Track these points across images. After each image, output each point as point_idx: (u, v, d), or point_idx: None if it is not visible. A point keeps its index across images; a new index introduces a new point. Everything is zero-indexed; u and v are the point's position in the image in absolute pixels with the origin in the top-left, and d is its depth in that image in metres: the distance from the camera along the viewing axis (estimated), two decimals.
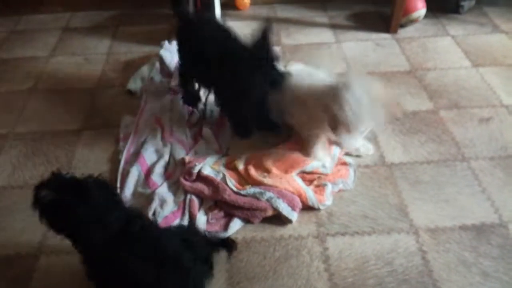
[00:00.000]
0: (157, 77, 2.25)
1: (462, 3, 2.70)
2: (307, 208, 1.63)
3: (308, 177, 1.73)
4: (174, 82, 2.18)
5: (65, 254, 1.49)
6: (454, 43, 2.51)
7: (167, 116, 1.99)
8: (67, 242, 1.15)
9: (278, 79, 1.71)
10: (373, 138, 1.89)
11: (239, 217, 1.60)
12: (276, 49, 1.76)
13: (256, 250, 1.52)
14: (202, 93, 2.05)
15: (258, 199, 1.60)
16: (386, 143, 1.89)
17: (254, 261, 1.49)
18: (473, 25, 2.65)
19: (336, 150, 1.80)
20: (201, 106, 2.06)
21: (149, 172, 1.76)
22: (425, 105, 2.09)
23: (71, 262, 1.40)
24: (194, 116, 2.01)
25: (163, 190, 1.69)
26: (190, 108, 2.04)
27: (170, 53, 2.37)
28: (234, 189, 1.65)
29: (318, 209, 1.63)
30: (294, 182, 1.67)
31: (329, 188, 1.67)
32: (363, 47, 2.50)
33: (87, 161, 1.86)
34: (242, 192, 1.63)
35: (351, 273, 1.44)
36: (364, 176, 1.76)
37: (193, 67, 1.89)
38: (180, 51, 1.93)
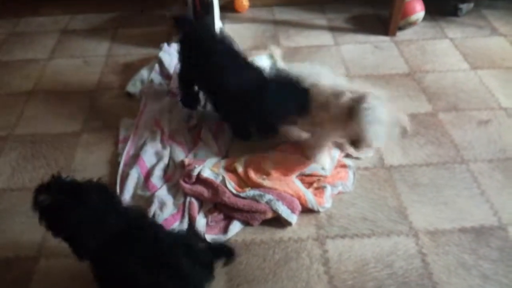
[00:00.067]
0: (157, 80, 2.25)
1: (461, 6, 2.71)
2: (306, 210, 1.63)
3: (308, 179, 1.73)
4: (174, 84, 2.18)
5: (65, 256, 1.47)
6: (453, 46, 2.51)
7: (167, 118, 1.99)
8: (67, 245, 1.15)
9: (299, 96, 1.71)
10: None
11: (239, 220, 1.60)
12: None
13: (256, 253, 1.52)
14: (201, 95, 2.05)
15: (257, 201, 1.60)
16: (385, 145, 1.89)
17: (254, 264, 1.49)
18: (471, 28, 2.65)
19: (335, 153, 1.80)
20: (200, 108, 2.06)
21: (148, 174, 1.76)
22: (424, 107, 2.09)
23: (71, 264, 1.40)
24: (194, 118, 2.01)
25: (162, 193, 1.69)
26: (190, 110, 2.04)
27: (170, 55, 2.37)
28: (234, 191, 1.65)
29: (318, 212, 1.64)
30: (293, 184, 1.67)
31: (328, 190, 1.67)
32: (361, 50, 2.51)
33: (86, 164, 1.86)
34: (242, 194, 1.63)
35: (350, 276, 1.44)
36: (363, 178, 1.77)
37: (194, 75, 1.89)
38: (182, 59, 1.93)
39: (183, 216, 1.61)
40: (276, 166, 1.73)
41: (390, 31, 2.59)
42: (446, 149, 1.88)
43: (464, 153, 1.86)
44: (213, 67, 1.76)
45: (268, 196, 1.61)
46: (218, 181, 1.68)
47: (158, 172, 1.77)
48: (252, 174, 1.71)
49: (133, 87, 2.22)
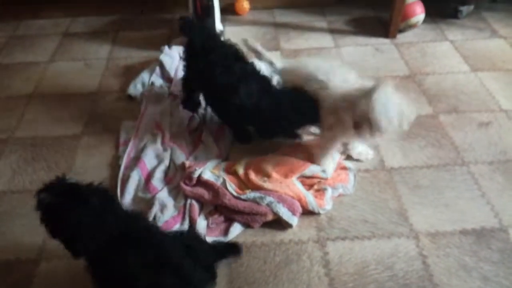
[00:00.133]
0: (157, 82, 2.26)
1: (461, 8, 2.72)
2: (307, 212, 1.63)
3: (308, 181, 1.73)
4: (175, 87, 2.18)
5: (66, 259, 1.47)
6: (453, 48, 2.52)
7: (167, 121, 2.00)
8: None
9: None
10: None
11: (239, 222, 1.60)
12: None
13: (256, 255, 1.52)
14: (202, 98, 2.05)
15: (258, 203, 1.60)
16: (385, 147, 1.89)
17: (254, 266, 1.49)
18: (471, 30, 2.66)
19: (336, 155, 1.80)
20: (201, 111, 2.06)
21: (149, 177, 1.76)
22: (425, 109, 2.09)
23: (72, 267, 1.41)
24: (194, 121, 2.02)
25: (163, 195, 1.69)
26: (190, 113, 2.04)
27: (170, 58, 2.38)
28: (234, 193, 1.65)
29: (318, 214, 1.63)
30: (294, 186, 1.67)
31: (329, 192, 1.67)
32: (362, 52, 2.51)
33: (87, 166, 1.86)
34: (242, 196, 1.63)
35: (351, 278, 1.44)
36: (364, 180, 1.76)
37: (197, 79, 1.89)
38: (186, 63, 1.92)
39: (183, 218, 1.61)
40: (276, 168, 1.73)
41: (390, 34, 2.59)
42: (446, 151, 1.88)
43: (465, 155, 1.86)
44: (216, 72, 1.75)
45: (268, 198, 1.61)
46: (218, 183, 1.68)
47: (159, 175, 1.77)
48: (253, 176, 1.71)
49: (134, 89, 2.22)
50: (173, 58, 2.38)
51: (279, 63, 1.90)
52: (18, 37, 2.74)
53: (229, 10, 2.87)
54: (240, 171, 1.74)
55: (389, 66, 2.39)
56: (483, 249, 1.51)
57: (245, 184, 1.71)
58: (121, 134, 1.98)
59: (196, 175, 1.70)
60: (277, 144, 1.88)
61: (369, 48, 2.54)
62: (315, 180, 1.73)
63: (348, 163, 1.81)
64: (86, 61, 2.51)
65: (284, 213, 1.59)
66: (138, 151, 1.87)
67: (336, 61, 1.79)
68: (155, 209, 1.62)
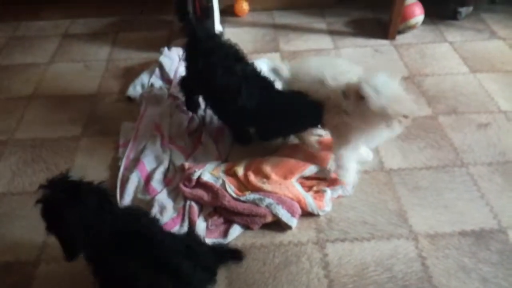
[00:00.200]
0: (157, 84, 2.26)
1: (460, 10, 2.72)
2: (306, 214, 1.63)
3: (308, 183, 1.73)
4: (174, 88, 2.18)
5: (65, 261, 1.49)
6: (452, 49, 2.52)
7: (167, 122, 2.00)
8: None
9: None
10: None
11: (239, 224, 1.60)
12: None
13: (256, 257, 1.52)
14: (202, 99, 2.05)
15: (257, 205, 1.60)
16: (385, 149, 1.89)
17: (254, 268, 1.49)
18: (470, 32, 2.66)
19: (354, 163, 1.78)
20: (201, 112, 2.06)
21: (148, 178, 1.76)
22: (424, 110, 2.10)
23: (71, 269, 1.40)
24: (194, 122, 2.02)
25: (162, 197, 1.69)
26: (190, 114, 2.04)
27: (170, 59, 2.38)
28: (234, 195, 1.65)
29: (318, 215, 1.64)
30: (293, 188, 1.67)
31: (328, 194, 1.67)
32: (361, 53, 2.51)
33: (86, 168, 1.86)
34: (242, 198, 1.63)
35: (350, 280, 1.44)
36: (363, 182, 1.77)
37: (197, 82, 1.89)
38: (187, 66, 1.91)
39: (183, 220, 1.61)
40: (275, 169, 1.74)
41: (389, 35, 2.60)
42: (445, 152, 1.88)
43: (464, 156, 1.86)
44: (216, 72, 1.75)
45: (268, 200, 1.61)
46: (218, 184, 1.68)
47: (158, 176, 1.77)
48: (252, 178, 1.71)
49: (134, 91, 2.22)
50: (172, 59, 2.38)
51: (286, 71, 1.86)
52: (17, 38, 2.75)
53: (228, 12, 2.87)
54: (240, 172, 1.74)
55: (388, 67, 2.38)
56: (482, 250, 1.52)
57: (244, 185, 1.71)
58: (121, 136, 1.98)
59: (195, 176, 1.70)
60: (276, 146, 1.88)
61: (368, 50, 2.54)
62: (315, 182, 1.73)
63: None
64: (85, 63, 2.51)
65: (283, 214, 1.59)
66: (137, 153, 1.88)
67: (340, 59, 1.76)
68: (155, 210, 1.62)
